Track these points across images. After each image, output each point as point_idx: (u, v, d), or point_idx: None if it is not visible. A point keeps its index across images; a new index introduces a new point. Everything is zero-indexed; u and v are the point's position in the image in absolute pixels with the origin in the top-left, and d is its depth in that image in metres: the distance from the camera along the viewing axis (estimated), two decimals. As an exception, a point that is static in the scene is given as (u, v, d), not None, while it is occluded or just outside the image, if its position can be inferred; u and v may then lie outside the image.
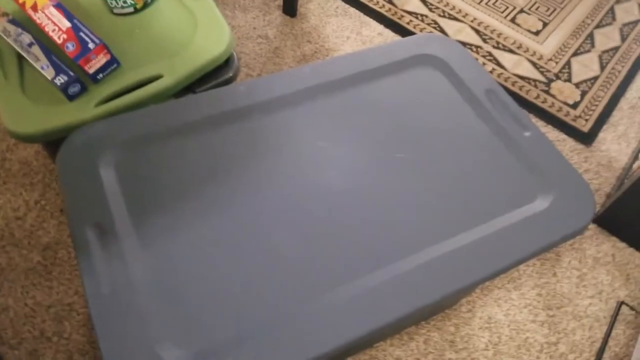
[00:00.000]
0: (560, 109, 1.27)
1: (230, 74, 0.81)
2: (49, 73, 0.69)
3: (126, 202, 0.54)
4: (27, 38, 0.72)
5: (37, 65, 0.70)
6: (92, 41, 0.69)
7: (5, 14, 0.75)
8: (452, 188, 0.60)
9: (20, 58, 0.73)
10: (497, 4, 1.52)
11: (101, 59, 0.70)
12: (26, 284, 0.87)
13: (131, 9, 0.78)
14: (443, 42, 0.77)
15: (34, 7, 0.73)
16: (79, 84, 0.69)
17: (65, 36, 0.69)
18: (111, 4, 0.77)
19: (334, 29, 1.38)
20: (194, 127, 0.62)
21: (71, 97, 0.70)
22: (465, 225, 0.57)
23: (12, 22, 0.74)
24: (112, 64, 0.72)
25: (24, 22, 0.74)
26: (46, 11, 0.72)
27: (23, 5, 0.74)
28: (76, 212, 0.51)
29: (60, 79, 0.68)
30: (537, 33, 1.46)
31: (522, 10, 1.51)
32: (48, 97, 0.70)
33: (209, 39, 0.75)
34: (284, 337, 0.47)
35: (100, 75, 0.71)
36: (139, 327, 0.46)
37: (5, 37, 0.73)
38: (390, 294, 0.51)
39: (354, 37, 1.36)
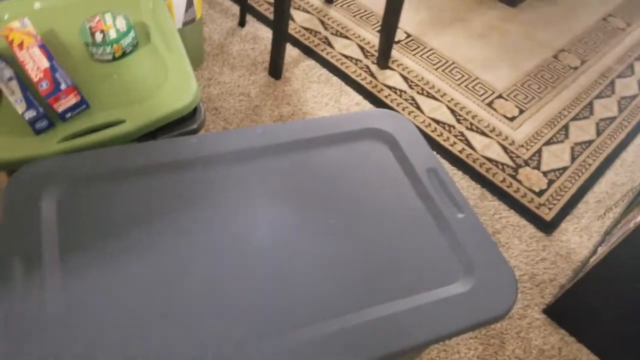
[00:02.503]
0: (524, 195, 1.35)
1: (195, 126, 0.89)
2: (20, 107, 0.76)
3: (59, 237, 0.59)
4: (8, 72, 0.81)
5: (11, 99, 0.77)
6: (65, 82, 0.77)
7: (-9, 49, 0.84)
8: (376, 259, 0.66)
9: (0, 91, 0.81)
10: (476, 87, 1.65)
11: (71, 99, 0.78)
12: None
13: (110, 57, 0.87)
14: (395, 119, 0.86)
15: (20, 46, 0.82)
16: (47, 120, 0.77)
17: (41, 75, 0.78)
18: (92, 50, 0.86)
19: (314, 95, 1.49)
20: (139, 172, 0.68)
21: (38, 132, 0.77)
22: (383, 297, 0.62)
23: (-3, 56, 0.83)
24: (81, 105, 0.80)
25: (10, 58, 0.83)
26: (30, 50, 0.81)
27: (11, 43, 0.83)
28: (7, 240, 0.57)
29: (30, 114, 0.76)
30: (512, 119, 1.57)
31: (500, 96, 1.64)
32: (18, 130, 0.77)
33: (175, 91, 0.84)
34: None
35: (69, 114, 0.79)
36: None
37: (-13, 70, 0.81)
38: (296, 358, 0.55)
39: (332, 104, 1.47)
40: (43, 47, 0.81)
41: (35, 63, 0.80)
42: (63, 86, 0.77)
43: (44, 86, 0.77)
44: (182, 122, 0.88)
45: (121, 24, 0.88)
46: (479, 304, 0.64)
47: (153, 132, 0.84)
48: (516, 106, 1.61)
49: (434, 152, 0.80)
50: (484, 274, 0.66)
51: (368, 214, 0.72)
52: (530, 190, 1.37)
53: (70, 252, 0.59)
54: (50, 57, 0.80)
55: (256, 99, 1.44)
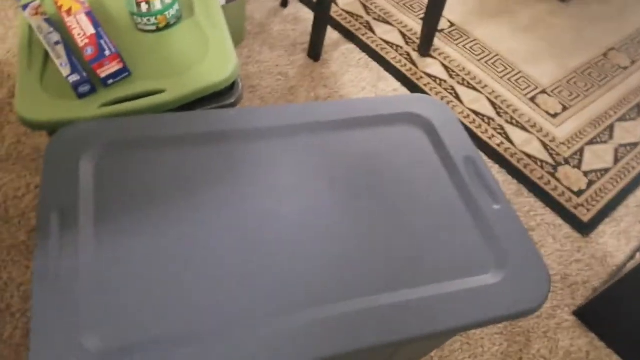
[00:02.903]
0: (562, 194, 1.32)
1: (232, 100, 0.90)
2: (65, 70, 0.78)
3: (95, 197, 0.61)
4: (55, 37, 0.83)
5: (57, 62, 0.79)
6: (109, 49, 0.78)
7: (43, 13, 0.86)
8: (406, 244, 0.65)
9: (46, 54, 0.83)
10: (519, 80, 1.60)
11: (114, 66, 0.79)
12: (6, 259, 0.94)
13: (154, 27, 0.88)
14: (433, 104, 0.84)
15: (68, 11, 0.84)
16: (90, 85, 0.79)
17: (87, 41, 0.79)
18: (136, 20, 0.88)
19: (351, 79, 1.48)
20: (175, 141, 0.69)
21: (80, 95, 0.79)
22: (410, 282, 0.61)
23: (47, 21, 0.85)
24: (124, 72, 0.81)
25: (57, 23, 0.85)
26: (77, 16, 0.83)
27: (60, 8, 0.85)
28: (46, 197, 0.59)
29: (74, 77, 0.77)
30: (554, 115, 1.52)
31: (544, 91, 1.59)
32: (61, 93, 0.79)
33: (215, 64, 0.84)
34: (210, 348, 0.52)
35: (111, 80, 0.81)
36: (72, 314, 0.51)
37: (38, 33, 0.83)
38: (320, 333, 0.55)
39: (369, 89, 1.46)
40: (90, 14, 0.83)
41: (82, 29, 0.81)
42: (107, 53, 0.78)
43: (89, 52, 0.78)
44: (220, 96, 0.89)
45: (166, -5, 0.89)
46: (508, 296, 0.63)
47: (191, 104, 0.84)
48: (560, 103, 1.56)
49: (473, 144, 0.78)
50: (516, 267, 0.65)
51: (400, 198, 0.71)
52: (569, 189, 1.33)
53: (104, 212, 0.61)
54: (96, 24, 0.82)
55: (293, 80, 1.44)
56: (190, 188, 0.66)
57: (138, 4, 0.87)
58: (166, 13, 0.87)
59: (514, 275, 0.64)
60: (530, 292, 0.64)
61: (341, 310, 0.58)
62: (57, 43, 0.82)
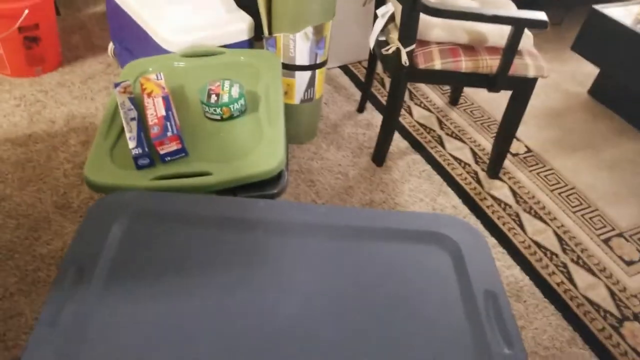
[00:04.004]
0: (625, 353, 1.19)
1: (275, 191, 0.95)
2: (131, 143, 0.89)
3: (115, 260, 0.67)
4: (133, 114, 0.95)
5: (127, 135, 0.91)
6: (171, 130, 0.88)
7: (130, 92, 1.00)
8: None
9: (123, 128, 0.96)
10: (594, 219, 1.53)
11: (172, 146, 0.88)
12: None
13: (218, 117, 0.98)
14: (467, 229, 0.83)
15: (149, 94, 0.97)
16: (149, 159, 0.88)
17: (156, 120, 0.90)
18: (205, 109, 0.98)
19: (411, 188, 1.49)
20: (203, 222, 0.74)
21: (139, 167, 0.89)
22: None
23: (131, 99, 0.98)
24: (181, 152, 0.90)
25: (139, 103, 0.98)
26: (155, 99, 0.95)
27: (143, 90, 0.98)
28: (71, 252, 0.66)
29: (137, 150, 0.88)
30: (629, 263, 1.41)
31: (621, 234, 1.49)
32: (126, 164, 0.90)
33: (263, 157, 0.91)
34: None
35: (169, 158, 0.90)
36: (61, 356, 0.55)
37: (120, 108, 0.97)
38: None
39: (427, 201, 1.46)
40: (165, 99, 0.95)
41: (155, 110, 0.93)
42: (169, 133, 0.88)
43: (155, 130, 0.89)
44: (265, 186, 0.95)
45: (235, 91, 0.99)
46: None
47: (234, 189, 0.91)
48: (638, 250, 1.45)
49: (499, 275, 0.76)
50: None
51: (407, 319, 0.69)
52: (634, 350, 1.20)
53: (119, 274, 0.66)
54: (168, 108, 0.93)
55: (352, 180, 1.48)
56: (204, 268, 0.70)
57: (209, 95, 0.98)
58: (231, 106, 0.97)
59: None
60: None
61: None
62: (132, 119, 0.94)
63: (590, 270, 1.37)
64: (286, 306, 0.67)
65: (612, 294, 1.32)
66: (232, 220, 0.76)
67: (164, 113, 0.92)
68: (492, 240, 1.40)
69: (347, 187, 1.46)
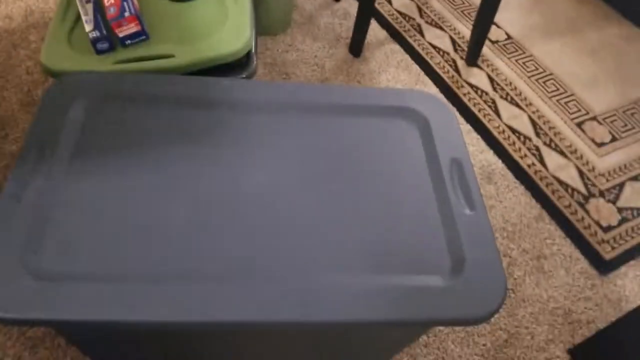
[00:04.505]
0: (588, 227, 1.25)
1: (244, 75, 0.94)
2: (88, 26, 0.85)
3: (76, 139, 0.67)
4: (88, -5, 0.90)
5: (83, 18, 0.87)
6: (129, 10, 0.85)
7: (82, -26, 0.94)
8: (366, 232, 0.66)
9: (80, 11, 0.91)
10: (570, 103, 1.54)
11: (132, 27, 0.85)
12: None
13: (180, -2, 0.94)
14: (435, 103, 0.83)
15: (103, -27, 0.91)
16: (108, 42, 0.85)
17: (112, 1, 0.86)
18: (165, -11, 0.94)
19: (388, 78, 1.48)
20: (168, 103, 0.74)
21: (98, 52, 0.86)
22: (358, 267, 0.62)
23: (84, -20, 0.92)
24: (141, 35, 0.87)
25: (93, -17, 0.93)
26: (110, -21, 0.90)
27: (97, -31, 0.92)
28: (32, 132, 0.65)
29: (94, 34, 0.84)
30: (600, 144, 1.45)
31: (594, 118, 1.52)
32: (84, 48, 0.87)
33: (228, 37, 0.89)
34: (147, 291, 0.56)
35: (129, 41, 0.87)
36: (25, 233, 0.57)
37: (73, -10, 0.91)
38: (249, 300, 0.58)
39: (404, 90, 1.45)
40: (121, -23, 0.90)
41: (111, -10, 0.88)
42: (126, 14, 0.84)
43: (111, 11, 0.85)
44: (233, 70, 0.93)
45: (195, -33, 0.94)
46: (457, 301, 0.62)
47: (201, 73, 0.89)
48: (610, 132, 1.48)
49: (466, 145, 0.78)
50: (471, 275, 0.64)
51: (374, 189, 0.71)
52: (597, 223, 1.26)
53: (81, 153, 0.66)
54: (124, -13, 0.88)
55: (328, 72, 1.46)
56: (170, 146, 0.70)
57: (167, -26, 0.93)
58: (192, -15, 0.93)
59: (468, 281, 0.63)
60: (483, 300, 0.63)
61: (279, 286, 0.60)
62: (88, 1, 0.89)
63: (561, 152, 1.41)
64: (254, 180, 0.69)
65: (581, 174, 1.37)
66: (197, 100, 0.76)
67: (120, -7, 0.87)
68: (467, 127, 1.42)
69: (323, 79, 1.44)
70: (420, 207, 0.70)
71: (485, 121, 1.44)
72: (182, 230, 0.62)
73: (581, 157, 1.41)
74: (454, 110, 1.45)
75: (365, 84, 1.45)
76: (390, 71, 1.51)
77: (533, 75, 1.60)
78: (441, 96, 1.48)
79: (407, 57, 1.57)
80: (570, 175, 1.35)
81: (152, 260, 0.59)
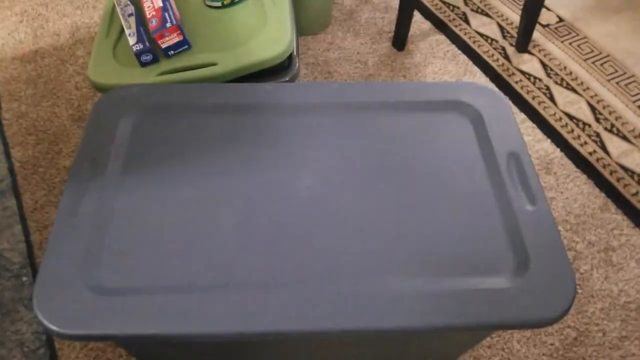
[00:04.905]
0: (660, 215, 1.17)
1: (287, 78, 0.93)
2: (131, 40, 0.87)
3: (128, 152, 0.68)
4: (130, 9, 0.92)
5: (127, 32, 0.88)
6: (170, 21, 0.85)
7: (124, -13, 0.96)
8: (425, 231, 0.64)
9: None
10: (630, 85, 1.45)
11: (174, 38, 0.86)
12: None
13: (219, 4, 0.94)
14: (487, 94, 0.80)
15: (144, -14, 0.93)
16: (152, 54, 0.87)
17: (153, 13, 0.87)
18: (204, -4, 0.94)
19: (434, 71, 1.44)
20: (214, 110, 0.74)
21: (142, 64, 0.87)
22: (420, 270, 0.60)
23: (126, -6, 0.94)
24: (184, 44, 0.88)
25: (135, -3, 0.94)
26: (150, -10, 0.91)
27: (137, -18, 0.94)
28: (83, 147, 0.67)
29: (138, 47, 0.86)
30: (668, 128, 1.35)
31: (660, 99, 1.42)
32: (129, 61, 0.89)
33: (268, 42, 0.88)
34: (212, 300, 0.56)
35: (172, 52, 0.88)
36: (85, 250, 0.58)
37: (117, 5, 0.93)
38: (314, 308, 0.56)
39: (451, 82, 1.41)
40: (161, -12, 0.91)
41: (152, 2, 0.89)
42: (168, 24, 0.85)
43: (153, 23, 0.86)
44: (276, 74, 0.92)
45: (233, -27, 0.94)
46: (524, 303, 0.59)
47: (244, 78, 0.89)
48: (679, 113, 1.39)
49: (522, 137, 0.74)
50: (538, 273, 0.60)
51: (428, 188, 0.69)
52: (670, 211, 1.18)
53: (133, 165, 0.67)
54: (165, -2, 0.90)
55: (372, 68, 1.44)
56: (218, 152, 0.70)
57: (206, -19, 0.94)
58: (230, -10, 0.93)
59: (535, 280, 0.60)
60: (551, 300, 0.59)
61: (341, 289, 0.58)
62: (130, 15, 0.91)
63: (624, 138, 1.32)
64: (303, 183, 0.68)
65: (649, 160, 1.28)
66: (242, 106, 0.75)
67: (161, 4, 0.89)
68: (521, 116, 1.36)
69: (367, 75, 1.42)
70: (478, 205, 0.67)
71: (540, 109, 1.38)
72: (235, 238, 0.62)
73: (648, 141, 1.32)
74: (507, 100, 1.39)
75: (410, 78, 1.41)
76: (437, 63, 1.46)
77: (589, 58, 1.52)
78: (492, 85, 1.42)
79: (453, 47, 1.52)
80: (636, 162, 1.27)
81: (208, 270, 0.59)
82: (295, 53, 0.94)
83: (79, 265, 0.58)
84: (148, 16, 0.88)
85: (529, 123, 1.34)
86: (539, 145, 1.29)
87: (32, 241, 1.03)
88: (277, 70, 0.92)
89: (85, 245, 0.59)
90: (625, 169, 1.26)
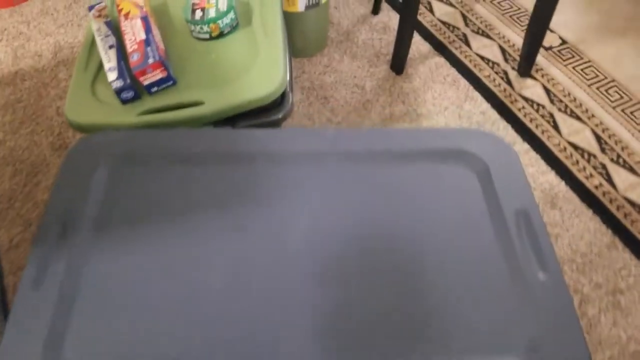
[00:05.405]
0: (670, 255, 1.12)
1: (279, 116, 0.87)
2: (111, 75, 0.81)
3: (102, 209, 0.62)
4: (111, 40, 0.86)
5: (106, 66, 0.82)
6: (153, 57, 0.79)
7: (106, 16, 0.90)
8: (422, 304, 0.58)
9: (103, 57, 0.87)
10: (636, 112, 1.40)
11: (156, 74, 0.80)
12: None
13: (207, 36, 0.89)
14: (494, 143, 0.75)
15: (126, 15, 0.87)
16: (133, 91, 0.81)
17: (135, 47, 0.81)
18: (191, 28, 0.88)
19: (434, 96, 1.39)
20: (199, 160, 0.68)
21: (123, 101, 0.81)
22: (417, 351, 0.55)
23: (107, 24, 0.88)
24: (168, 81, 0.82)
25: (117, 27, 0.88)
26: (132, 21, 0.85)
27: (120, 11, 0.88)
28: (53, 204, 0.60)
29: (117, 83, 0.80)
30: (676, 159, 1.31)
31: (666, 128, 1.37)
32: (108, 97, 0.82)
33: (260, 78, 0.82)
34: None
35: (155, 88, 0.82)
36: (50, 319, 0.52)
37: (96, 35, 0.87)
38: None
39: (453, 109, 1.36)
40: (144, 19, 0.85)
41: (134, 34, 0.83)
42: (150, 60, 0.79)
43: (135, 58, 0.80)
44: (267, 111, 0.87)
45: (223, 3, 0.88)
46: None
47: (234, 117, 0.83)
48: (687, 143, 1.34)
49: (532, 192, 0.69)
50: (551, 354, 0.55)
51: (429, 248, 0.63)
52: (680, 251, 1.13)
53: (109, 225, 0.61)
54: (148, 30, 0.84)
55: (370, 93, 1.38)
56: (203, 207, 0.64)
57: (193, 11, 0.88)
58: (219, 22, 0.87)
59: (548, 364, 0.54)
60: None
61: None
62: (111, 47, 0.85)
63: (631, 169, 1.27)
64: (296, 239, 0.62)
65: (657, 194, 1.23)
66: (229, 155, 0.69)
67: (143, 37, 0.83)
68: (524, 146, 1.31)
69: (365, 101, 1.36)
70: (485, 272, 0.62)
71: (544, 138, 1.33)
72: (222, 308, 0.56)
73: (655, 174, 1.27)
74: (515, 151, 1.34)
75: (409, 104, 1.36)
76: (436, 88, 1.41)
77: (593, 83, 1.47)
78: (493, 112, 1.37)
79: (453, 71, 1.47)
80: (644, 196, 1.22)
81: (191, 350, 0.53)
82: (288, 89, 0.89)
83: (39, 346, 0.52)
84: (129, 50, 0.82)
85: (532, 153, 1.29)
86: (543, 177, 1.24)
87: (6, 285, 0.97)
88: (269, 106, 0.86)
89: (49, 323, 0.53)
90: (632, 203, 1.21)
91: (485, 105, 1.39)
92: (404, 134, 0.75)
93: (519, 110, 1.39)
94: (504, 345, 0.56)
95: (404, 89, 1.40)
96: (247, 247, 0.60)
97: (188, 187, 0.65)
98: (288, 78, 0.89)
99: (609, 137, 1.34)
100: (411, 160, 0.72)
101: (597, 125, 1.37)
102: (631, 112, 1.40)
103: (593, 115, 1.39)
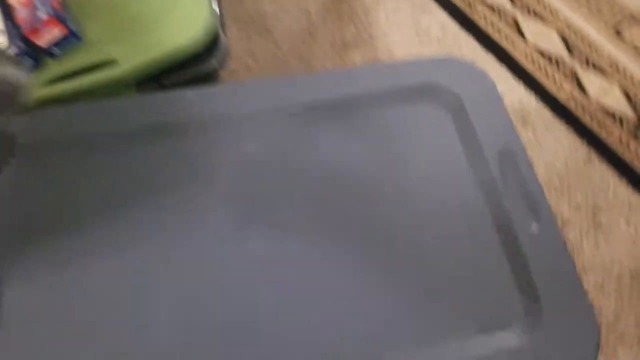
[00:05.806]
0: (645, 160, 1.08)
1: (214, 64, 0.74)
2: (2, 41, 0.66)
3: (9, 216, 0.50)
4: (-8, -6, 0.69)
5: (-8, 29, 0.67)
6: (45, 10, 0.64)
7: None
8: (401, 280, 0.51)
9: None
10: (603, 8, 1.31)
11: (54, 33, 0.65)
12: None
13: (111, -25, 0.73)
14: (469, 72, 0.65)
15: (6, -41, 0.70)
16: (31, 57, 0.66)
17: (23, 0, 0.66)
18: (89, -34, 0.72)
19: (387, 13, 1.25)
20: (121, 139, 0.56)
21: (22, 71, 0.66)
22: (397, 337, 0.48)
23: (-16, -28, 0.71)
24: (70, 38, 0.67)
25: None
26: (14, -34, 0.68)
27: (-3, -45, 0.71)
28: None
29: (13, 50, 0.65)
30: (645, 53, 1.24)
31: (632, 16, 1.29)
32: (3, 64, 0.68)
33: (183, 21, 0.68)
34: None
35: (56, 49, 0.67)
36: None
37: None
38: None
39: (408, 24, 1.23)
40: (28, -38, 0.68)
41: (18, -16, 0.67)
42: (41, 14, 0.64)
43: (22, 14, 0.65)
44: (197, 62, 0.73)
45: None
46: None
47: (159, 75, 0.70)
48: (655, 35, 1.27)
49: (516, 132, 0.60)
50: (554, 321, 0.49)
51: (403, 206, 0.55)
52: (655, 153, 1.09)
53: (16, 239, 0.50)
54: (34, -24, 0.67)
55: (315, 17, 1.24)
56: (133, 201, 0.53)
57: (88, -54, 0.71)
58: (123, -44, 0.71)
59: (548, 334, 0.48)
60: (571, 353, 0.48)
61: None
62: (-8, 3, 0.68)
63: (602, 71, 1.20)
64: (249, 230, 0.53)
65: (627, 95, 1.17)
66: (157, 128, 0.58)
67: (29, -14, 0.67)
68: (490, 57, 1.21)
69: (311, 27, 1.22)
70: (470, 233, 0.54)
71: (509, 47, 1.23)
72: (171, 338, 0.47)
73: (624, 72, 1.20)
74: (481, 52, 1.23)
75: (361, 25, 1.23)
76: (388, 4, 1.27)
77: (556, -22, 1.36)
78: (453, 24, 1.25)
79: (405, -19, 1.32)
80: (615, 100, 1.16)
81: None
82: (219, 30, 0.75)
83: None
84: (14, 4, 0.66)
85: (499, 68, 1.20)
86: (512, 93, 1.16)
87: None
88: (201, 54, 0.73)
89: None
90: (605, 111, 1.15)
91: (442, 16, 1.26)
92: (363, 73, 0.65)
93: (481, 18, 1.28)
94: (498, 318, 0.50)
95: (353, 9, 1.26)
96: (195, 253, 0.51)
97: (112, 179, 0.54)
98: (218, 14, 0.75)
99: (579, 38, 1.26)
100: (377, 104, 0.62)
101: (562, 24, 1.27)
102: (598, 8, 1.31)
103: (558, 15, 1.29)
